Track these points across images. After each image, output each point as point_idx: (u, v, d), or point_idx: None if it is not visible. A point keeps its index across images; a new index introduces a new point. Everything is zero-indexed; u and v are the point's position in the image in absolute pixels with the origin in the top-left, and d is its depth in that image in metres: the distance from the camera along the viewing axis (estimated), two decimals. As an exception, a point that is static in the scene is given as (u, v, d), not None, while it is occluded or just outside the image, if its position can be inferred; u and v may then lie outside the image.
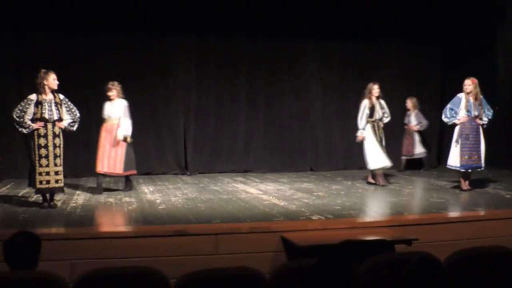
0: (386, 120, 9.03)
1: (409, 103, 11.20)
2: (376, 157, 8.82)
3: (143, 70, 10.63)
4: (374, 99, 8.90)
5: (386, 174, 9.29)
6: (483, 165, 8.14)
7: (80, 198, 7.79)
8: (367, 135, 8.90)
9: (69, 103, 7.13)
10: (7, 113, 9.23)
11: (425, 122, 11.10)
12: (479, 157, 8.07)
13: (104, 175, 8.37)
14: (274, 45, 11.20)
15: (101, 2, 10.02)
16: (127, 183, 8.64)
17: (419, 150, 11.22)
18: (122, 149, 8.29)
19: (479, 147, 8.10)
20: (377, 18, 11.21)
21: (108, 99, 8.35)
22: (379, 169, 8.91)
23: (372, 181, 9.06)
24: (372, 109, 8.88)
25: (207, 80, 11.01)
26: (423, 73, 11.47)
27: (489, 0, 11.03)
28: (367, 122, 8.88)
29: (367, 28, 11.26)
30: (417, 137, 11.21)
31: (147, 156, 10.76)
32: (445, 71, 11.94)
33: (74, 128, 7.21)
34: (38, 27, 9.93)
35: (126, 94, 10.24)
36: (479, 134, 8.13)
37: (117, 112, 8.33)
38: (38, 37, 10.01)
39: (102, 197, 7.87)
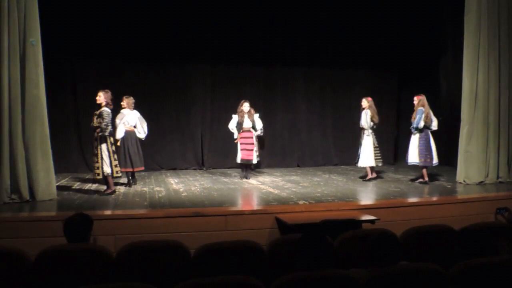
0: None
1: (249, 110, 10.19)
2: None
3: (170, 90, 10.61)
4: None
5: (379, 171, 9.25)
6: None
7: (122, 188, 7.77)
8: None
9: (103, 114, 6.82)
10: (64, 120, 9.27)
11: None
12: None
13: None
14: (269, 70, 11.17)
15: (140, 39, 10.07)
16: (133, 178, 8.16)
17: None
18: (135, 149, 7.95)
19: None
20: (348, 50, 11.21)
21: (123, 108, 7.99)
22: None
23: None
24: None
25: (218, 97, 10.98)
26: (383, 91, 11.45)
27: (434, 35, 11.05)
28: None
29: (340, 57, 11.24)
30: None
31: (173, 155, 10.76)
32: (400, 89, 11.91)
33: (105, 133, 6.80)
34: (88, 55, 9.91)
35: (158, 108, 10.32)
36: None
37: (134, 119, 8.03)
38: (89, 63, 10.00)
39: (138, 187, 7.86)
